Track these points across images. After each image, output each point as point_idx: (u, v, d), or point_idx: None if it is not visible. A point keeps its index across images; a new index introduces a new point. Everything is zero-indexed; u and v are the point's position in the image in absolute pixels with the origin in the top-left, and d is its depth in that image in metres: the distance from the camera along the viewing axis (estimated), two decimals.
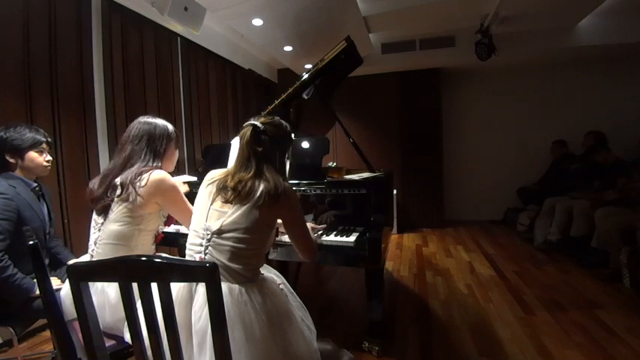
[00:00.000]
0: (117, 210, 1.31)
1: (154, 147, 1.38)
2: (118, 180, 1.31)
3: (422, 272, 3.22)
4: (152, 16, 3.00)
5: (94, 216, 1.39)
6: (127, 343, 1.16)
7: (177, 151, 1.53)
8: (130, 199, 1.29)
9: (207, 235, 1.11)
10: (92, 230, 1.39)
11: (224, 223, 1.10)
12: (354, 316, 2.38)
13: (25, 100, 2.10)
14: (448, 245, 4.16)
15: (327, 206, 1.90)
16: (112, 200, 1.31)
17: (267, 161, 1.19)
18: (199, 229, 1.14)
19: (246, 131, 1.20)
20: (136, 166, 1.33)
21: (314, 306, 2.51)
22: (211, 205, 1.16)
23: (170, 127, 1.48)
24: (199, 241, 1.13)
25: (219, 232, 1.10)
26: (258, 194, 1.11)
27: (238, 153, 1.22)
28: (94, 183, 1.38)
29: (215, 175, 1.23)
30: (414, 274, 3.17)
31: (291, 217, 1.22)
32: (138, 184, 1.29)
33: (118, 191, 1.30)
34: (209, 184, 1.21)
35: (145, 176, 1.30)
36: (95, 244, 1.35)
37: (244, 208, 1.11)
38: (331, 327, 2.20)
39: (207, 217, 1.14)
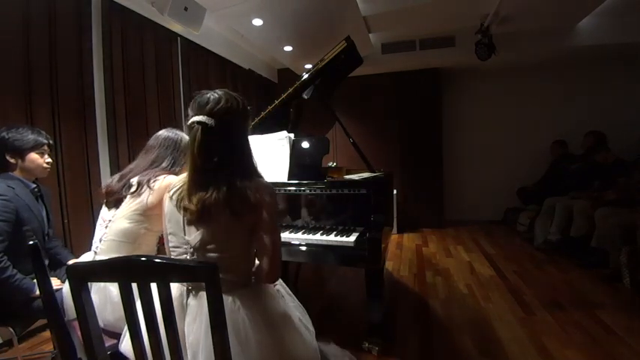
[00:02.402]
0: (127, 207, 1.37)
1: (177, 156, 1.49)
2: (135, 179, 1.39)
3: (422, 272, 3.22)
4: (152, 16, 3.00)
5: (102, 214, 1.44)
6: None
7: None
8: (142, 196, 1.36)
9: (190, 249, 1.03)
10: (98, 227, 1.43)
11: (203, 237, 1.00)
12: (354, 316, 2.38)
13: (25, 100, 2.10)
14: (448, 245, 4.16)
15: (327, 206, 1.90)
16: (125, 196, 1.38)
17: (228, 162, 1.02)
18: (180, 244, 1.06)
19: (196, 133, 0.98)
20: (158, 169, 1.43)
21: (314, 306, 2.51)
22: (184, 217, 1.04)
23: None
24: (183, 257, 1.06)
25: (200, 247, 1.01)
26: (226, 205, 0.98)
27: (189, 163, 1.01)
28: (114, 179, 1.45)
29: (175, 183, 1.09)
30: (414, 274, 3.17)
31: (265, 221, 1.03)
32: (152, 184, 1.37)
33: (133, 189, 1.37)
34: (172, 194, 1.07)
35: (160, 178, 1.38)
36: (100, 240, 1.38)
37: (219, 221, 1.00)
38: (331, 327, 2.20)
39: (184, 230, 1.04)
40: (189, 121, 1.01)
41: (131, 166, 1.47)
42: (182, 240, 1.05)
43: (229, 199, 0.98)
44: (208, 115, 0.99)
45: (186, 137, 1.52)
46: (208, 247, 1.01)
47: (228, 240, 1.02)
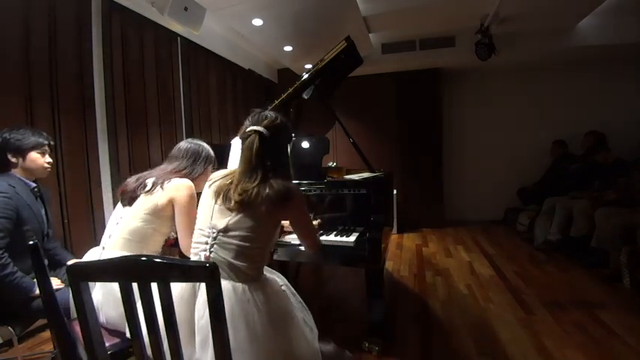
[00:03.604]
0: (140, 205, 1.41)
1: (197, 165, 1.57)
2: (150, 180, 1.44)
3: (422, 272, 3.22)
4: (152, 16, 3.00)
5: (116, 211, 1.48)
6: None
7: (209, 174, 1.65)
8: (154, 196, 1.41)
9: (213, 233, 1.12)
10: (109, 224, 1.46)
11: (230, 222, 1.10)
12: (354, 316, 2.38)
13: (25, 100, 2.10)
14: (448, 245, 4.16)
15: (327, 206, 1.90)
16: (139, 195, 1.42)
17: (274, 167, 1.17)
18: (205, 227, 1.15)
19: (254, 140, 1.16)
20: (175, 174, 1.49)
21: (314, 306, 2.49)
22: (215, 203, 1.16)
23: (212, 153, 1.66)
24: (205, 239, 1.14)
25: (225, 230, 1.11)
26: (263, 197, 1.10)
27: (243, 161, 1.17)
28: (132, 179, 1.50)
29: (218, 175, 1.24)
30: (414, 274, 3.17)
31: (298, 218, 1.26)
32: (165, 184, 1.42)
33: (147, 188, 1.42)
34: (212, 183, 1.22)
35: (173, 180, 1.45)
36: (110, 237, 1.41)
37: (249, 209, 1.11)
38: (331, 327, 2.20)
39: (212, 215, 1.15)
40: (248, 129, 1.19)
41: (151, 170, 1.53)
42: (208, 224, 1.14)
43: (269, 194, 1.11)
44: (265, 127, 1.18)
45: (206, 147, 1.62)
46: (233, 233, 1.10)
47: (255, 229, 1.11)
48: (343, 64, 2.32)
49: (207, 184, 1.24)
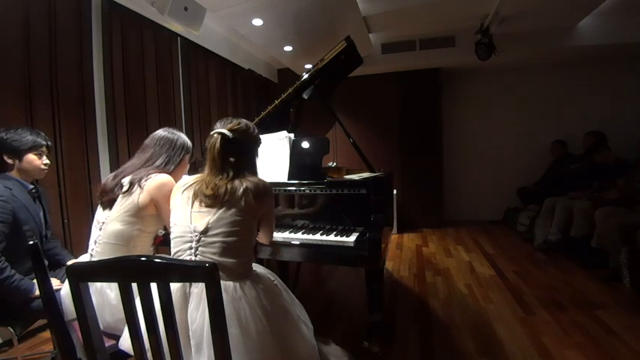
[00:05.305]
0: (120, 207, 1.34)
1: (172, 155, 1.49)
2: (127, 179, 1.37)
3: (422, 272, 3.22)
4: (152, 16, 3.00)
5: (97, 215, 1.42)
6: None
7: (188, 165, 1.61)
8: (133, 196, 1.34)
9: (196, 236, 1.11)
10: (93, 229, 1.40)
11: (210, 222, 1.11)
12: (354, 316, 2.38)
13: (25, 100, 2.10)
14: (448, 245, 4.16)
15: (326, 206, 1.90)
16: (118, 196, 1.36)
17: (240, 166, 1.22)
18: (185, 233, 1.14)
19: (215, 141, 1.20)
20: (151, 167, 1.42)
21: (314, 306, 2.51)
22: (192, 208, 1.16)
23: (189, 142, 1.59)
24: (188, 244, 1.12)
25: (206, 231, 1.11)
26: (241, 191, 1.14)
27: (209, 161, 1.22)
28: (109, 178, 1.43)
29: (188, 180, 1.24)
30: (414, 274, 3.17)
31: (269, 214, 1.31)
32: (143, 183, 1.34)
33: (124, 188, 1.35)
34: (184, 190, 1.21)
35: (152, 176, 1.36)
36: (95, 243, 1.36)
37: (228, 205, 1.13)
38: (331, 327, 2.20)
39: (191, 219, 1.14)
40: (212, 131, 1.23)
41: (126, 164, 1.46)
42: (187, 228, 1.14)
43: (248, 188, 1.15)
44: (229, 130, 1.22)
45: (183, 137, 1.57)
46: (215, 231, 1.11)
47: (236, 222, 1.12)
48: (343, 64, 2.32)
49: (180, 190, 1.23)
